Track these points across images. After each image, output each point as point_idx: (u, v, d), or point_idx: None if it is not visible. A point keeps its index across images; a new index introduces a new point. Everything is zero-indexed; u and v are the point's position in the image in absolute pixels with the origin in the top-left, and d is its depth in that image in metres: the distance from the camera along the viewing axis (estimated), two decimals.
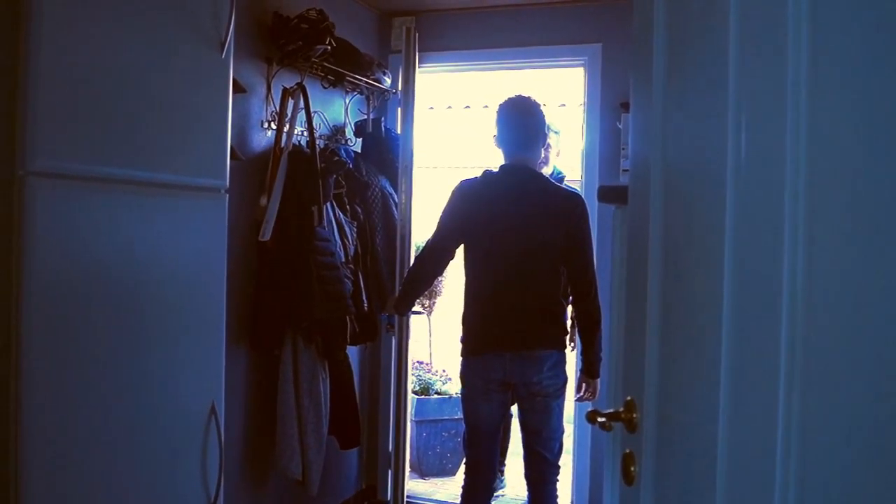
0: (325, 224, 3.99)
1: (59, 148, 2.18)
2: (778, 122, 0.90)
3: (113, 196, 2.37)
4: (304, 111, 4.02)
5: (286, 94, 3.99)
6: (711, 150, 1.13)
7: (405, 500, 4.67)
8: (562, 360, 3.67)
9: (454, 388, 6.06)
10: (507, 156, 3.71)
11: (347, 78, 4.45)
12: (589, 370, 3.73)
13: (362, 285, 4.34)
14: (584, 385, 3.79)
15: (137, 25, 2.43)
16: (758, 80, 0.98)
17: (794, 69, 0.88)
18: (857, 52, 0.84)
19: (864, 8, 0.84)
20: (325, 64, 4.18)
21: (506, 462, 5.48)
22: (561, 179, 4.62)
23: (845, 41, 0.85)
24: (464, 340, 3.72)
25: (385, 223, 4.64)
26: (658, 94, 1.45)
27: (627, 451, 1.59)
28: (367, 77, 4.58)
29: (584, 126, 4.87)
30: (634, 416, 1.57)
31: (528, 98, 3.74)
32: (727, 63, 1.05)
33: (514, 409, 3.83)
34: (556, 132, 4.82)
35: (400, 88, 4.72)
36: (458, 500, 3.90)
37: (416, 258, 3.93)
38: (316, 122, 4.20)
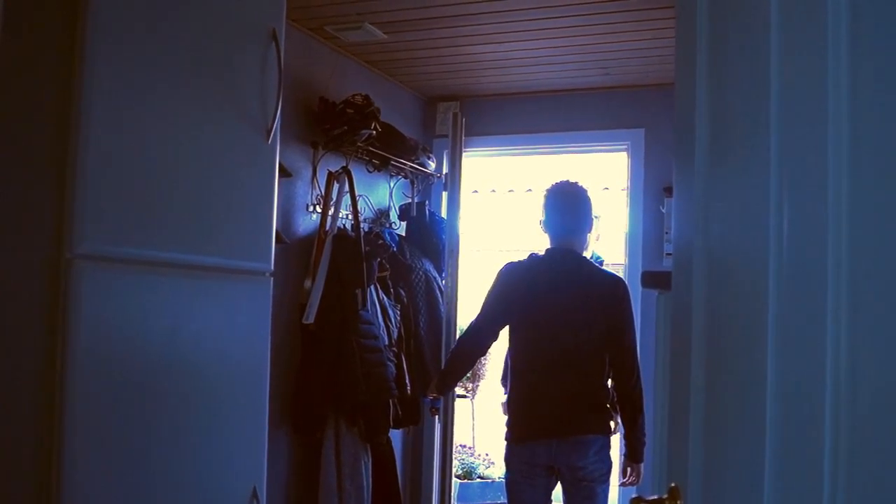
0: (369, 307, 4.01)
1: (105, 231, 2.21)
2: (820, 206, 0.90)
3: (158, 279, 2.39)
4: (348, 195, 4.06)
5: (331, 177, 4.04)
6: (753, 235, 1.13)
7: None
8: (607, 445, 3.62)
9: (497, 472, 5.99)
10: (553, 240, 3.71)
11: (392, 162, 4.50)
12: (633, 454, 3.68)
13: (405, 368, 4.33)
14: (628, 469, 3.73)
15: (185, 112, 2.48)
16: (799, 164, 0.98)
17: (836, 154, 0.88)
18: None
19: None
20: (371, 148, 4.23)
21: None
22: (601, 264, 4.61)
23: (888, 122, 0.85)
24: (509, 425, 3.67)
25: (428, 306, 4.65)
26: (700, 178, 1.45)
27: None
28: (412, 161, 4.63)
29: (628, 210, 4.88)
30: (678, 502, 1.53)
31: (575, 183, 3.75)
32: (769, 148, 1.05)
33: (555, 494, 3.77)
34: (595, 217, 4.84)
35: (445, 172, 4.76)
36: None
37: (459, 339, 3.93)
38: (361, 205, 4.24)
